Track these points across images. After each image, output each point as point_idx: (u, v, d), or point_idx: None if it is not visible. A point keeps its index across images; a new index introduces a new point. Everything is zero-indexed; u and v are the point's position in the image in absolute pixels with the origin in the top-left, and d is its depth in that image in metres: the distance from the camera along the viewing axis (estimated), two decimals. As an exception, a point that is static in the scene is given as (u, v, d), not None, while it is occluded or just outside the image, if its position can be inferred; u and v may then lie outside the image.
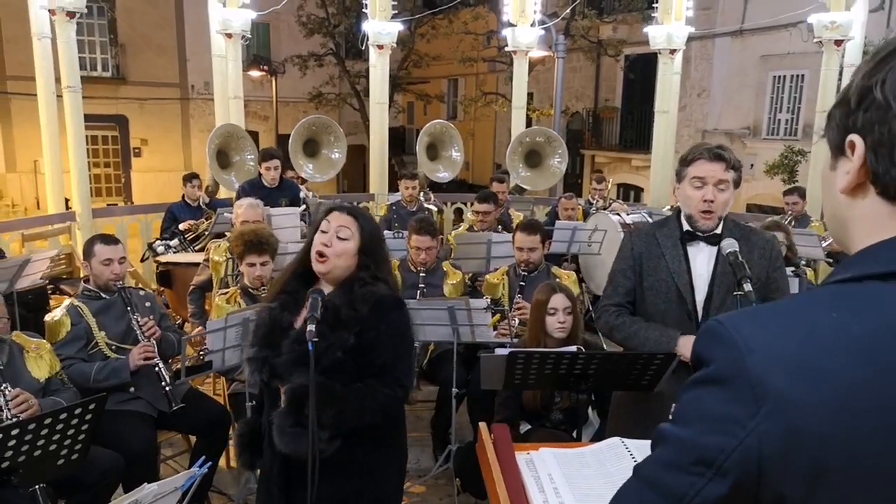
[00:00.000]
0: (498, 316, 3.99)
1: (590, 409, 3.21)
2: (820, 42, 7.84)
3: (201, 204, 6.75)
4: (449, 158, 8.78)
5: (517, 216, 6.51)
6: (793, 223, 6.25)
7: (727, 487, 0.75)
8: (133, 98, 18.32)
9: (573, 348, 2.76)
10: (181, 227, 6.39)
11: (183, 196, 6.78)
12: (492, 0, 15.06)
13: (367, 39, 8.13)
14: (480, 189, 7.37)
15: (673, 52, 8.33)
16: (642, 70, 15.55)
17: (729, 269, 2.32)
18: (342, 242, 2.10)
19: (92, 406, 2.21)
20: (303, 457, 1.92)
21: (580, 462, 1.66)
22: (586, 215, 7.04)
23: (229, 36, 7.57)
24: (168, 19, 18.53)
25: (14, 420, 2.56)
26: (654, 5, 8.52)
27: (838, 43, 7.71)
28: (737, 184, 2.41)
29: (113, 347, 3.25)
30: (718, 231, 2.44)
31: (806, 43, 10.44)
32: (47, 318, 3.33)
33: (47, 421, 2.11)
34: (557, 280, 4.00)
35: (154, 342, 3.24)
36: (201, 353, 3.54)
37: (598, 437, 2.96)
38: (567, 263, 5.73)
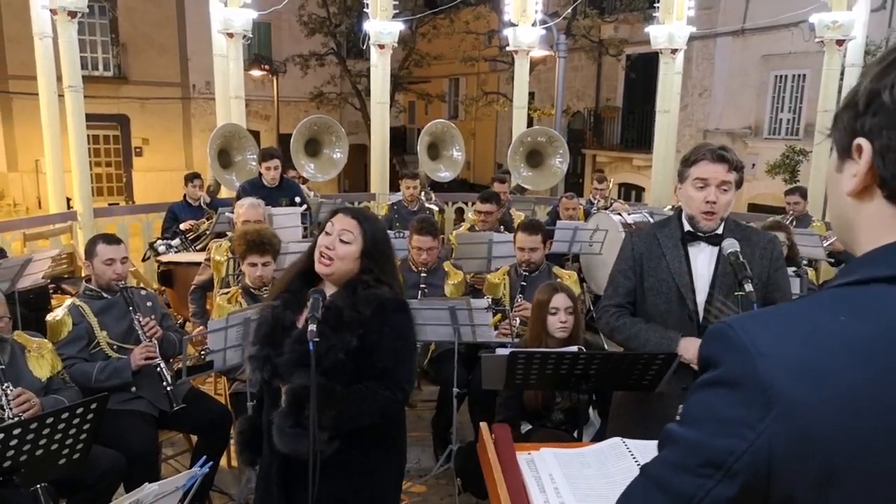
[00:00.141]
0: (499, 316, 3.99)
1: (591, 409, 3.21)
2: (821, 42, 7.84)
3: (202, 204, 6.75)
4: (450, 158, 8.78)
5: (518, 216, 6.51)
6: (794, 223, 6.25)
7: (736, 489, 0.76)
8: (134, 97, 18.33)
9: (574, 348, 2.76)
10: (182, 226, 6.39)
11: (184, 196, 6.78)
12: (493, 0, 15.06)
13: (369, 39, 8.13)
14: (482, 189, 7.37)
15: (674, 51, 8.32)
16: (643, 70, 15.54)
17: (730, 269, 2.32)
18: (344, 246, 2.11)
19: (94, 406, 2.21)
20: (302, 457, 1.92)
21: (581, 462, 1.66)
22: (587, 215, 7.04)
23: (231, 35, 7.57)
24: (169, 19, 18.54)
25: (16, 419, 2.56)
26: (656, 5, 8.52)
27: (840, 43, 7.70)
28: (739, 185, 2.40)
29: (114, 347, 3.25)
30: (720, 231, 2.44)
31: (807, 42, 10.42)
32: (49, 317, 3.33)
33: (49, 420, 2.11)
34: (558, 280, 4.00)
35: (155, 342, 3.24)
36: (202, 352, 3.54)
37: (599, 437, 2.96)
38: (570, 263, 5.72)
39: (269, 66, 17.72)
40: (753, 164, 13.27)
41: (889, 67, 0.77)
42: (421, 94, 20.76)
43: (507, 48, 9.24)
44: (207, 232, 6.22)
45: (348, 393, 2.02)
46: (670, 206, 7.42)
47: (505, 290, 4.27)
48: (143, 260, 6.81)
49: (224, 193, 7.71)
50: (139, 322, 3.25)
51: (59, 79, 6.81)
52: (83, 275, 5.63)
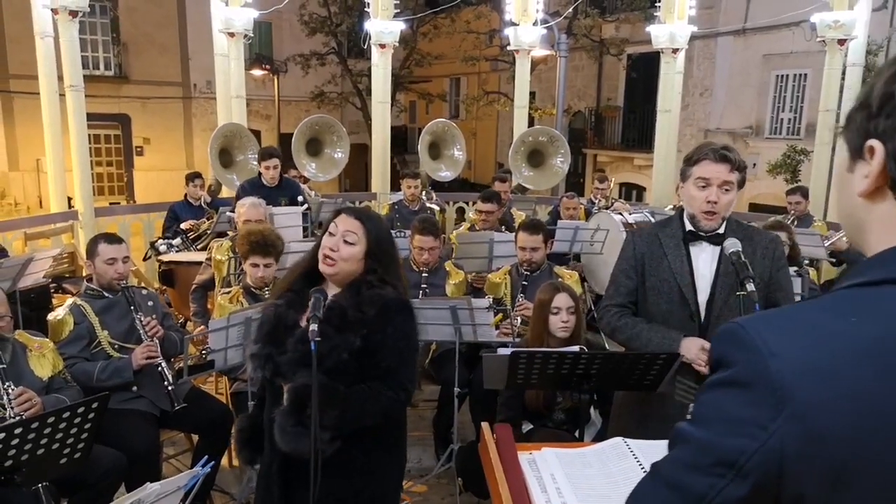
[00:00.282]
0: (500, 315, 3.99)
1: (592, 409, 3.21)
2: (823, 41, 7.83)
3: (203, 203, 6.75)
4: (451, 157, 8.78)
5: (519, 216, 6.50)
6: (795, 223, 6.24)
7: (748, 489, 0.76)
8: (135, 97, 18.34)
9: (576, 348, 2.76)
10: (183, 226, 6.40)
11: (185, 195, 6.78)
12: (494, -1, 15.07)
13: (370, 38, 8.13)
14: (483, 188, 7.36)
15: (675, 51, 8.32)
16: (644, 69, 15.53)
17: (732, 269, 2.32)
18: (349, 247, 2.11)
19: (95, 405, 2.21)
20: (303, 456, 1.92)
21: (583, 462, 1.66)
22: (588, 215, 7.04)
23: (232, 35, 7.58)
24: (170, 18, 18.55)
25: (17, 419, 2.56)
26: (657, 4, 8.51)
27: (841, 42, 7.69)
28: (741, 185, 2.40)
29: (116, 346, 3.25)
30: (721, 231, 2.43)
31: (809, 42, 10.42)
32: (50, 317, 3.33)
33: (50, 420, 2.11)
34: (560, 279, 3.99)
35: (157, 341, 3.24)
36: (203, 352, 3.54)
37: (601, 437, 2.96)
38: (574, 263, 5.72)
39: (270, 65, 17.73)
40: (754, 164, 13.26)
41: None
42: (422, 94, 20.76)
43: (508, 48, 9.23)
44: (208, 231, 6.22)
45: (351, 393, 2.02)
46: (671, 206, 7.41)
47: (506, 290, 4.27)
48: (145, 259, 6.81)
49: (225, 193, 7.71)
50: (140, 321, 3.25)
51: (61, 78, 6.81)
52: (84, 274, 5.63)
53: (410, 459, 3.85)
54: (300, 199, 6.05)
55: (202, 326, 4.38)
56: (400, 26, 8.33)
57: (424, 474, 3.93)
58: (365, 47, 8.56)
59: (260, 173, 6.11)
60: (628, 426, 2.53)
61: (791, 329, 0.78)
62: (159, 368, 3.20)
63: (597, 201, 7.59)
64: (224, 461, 3.65)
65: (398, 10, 8.32)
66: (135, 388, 3.22)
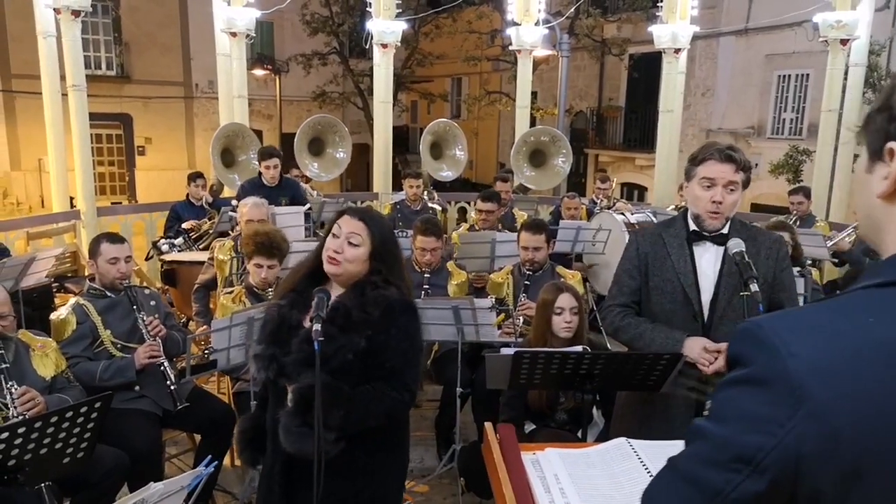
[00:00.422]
0: (502, 315, 3.98)
1: (594, 410, 3.20)
2: (825, 41, 7.82)
3: (204, 203, 6.76)
4: (452, 157, 8.78)
5: (521, 216, 6.51)
6: (797, 223, 6.23)
7: (764, 485, 0.78)
8: (137, 97, 18.36)
9: (579, 348, 2.75)
10: (184, 226, 6.40)
11: (187, 195, 6.78)
12: (496, -1, 15.06)
13: (371, 38, 8.13)
14: (484, 188, 7.37)
15: (677, 51, 8.31)
16: (646, 69, 15.52)
17: (735, 269, 2.31)
18: (353, 248, 2.10)
19: (98, 405, 2.22)
20: (308, 456, 1.92)
21: (586, 462, 1.66)
22: (590, 215, 7.03)
23: (234, 35, 7.58)
24: (172, 18, 18.56)
25: (20, 418, 2.57)
26: (659, 4, 8.50)
27: (844, 42, 7.69)
28: (746, 185, 2.39)
29: (118, 346, 3.25)
30: (725, 231, 2.43)
31: (811, 42, 10.40)
32: (53, 316, 3.34)
33: (53, 419, 2.11)
34: (562, 280, 3.99)
35: (159, 341, 3.24)
36: (206, 351, 3.54)
37: (603, 437, 2.95)
38: (577, 263, 5.72)
39: (271, 65, 17.74)
40: (756, 164, 13.23)
41: None
42: (424, 94, 20.77)
43: (510, 47, 9.23)
44: (210, 231, 6.23)
45: (356, 393, 2.02)
46: (673, 206, 7.40)
47: (508, 290, 4.26)
48: (147, 259, 6.81)
49: (227, 193, 7.72)
50: (143, 321, 3.25)
51: (63, 78, 6.82)
52: (86, 274, 5.64)
53: (413, 459, 3.84)
54: (309, 195, 6.01)
55: (204, 326, 4.38)
56: (402, 26, 8.33)
57: (427, 474, 3.93)
58: (367, 47, 8.57)
59: (260, 173, 6.11)
60: (631, 426, 2.53)
61: (809, 329, 0.80)
62: (162, 368, 3.20)
63: (599, 201, 7.58)
64: (226, 461, 3.66)
65: (400, 10, 8.32)
66: (137, 388, 3.22)
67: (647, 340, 2.44)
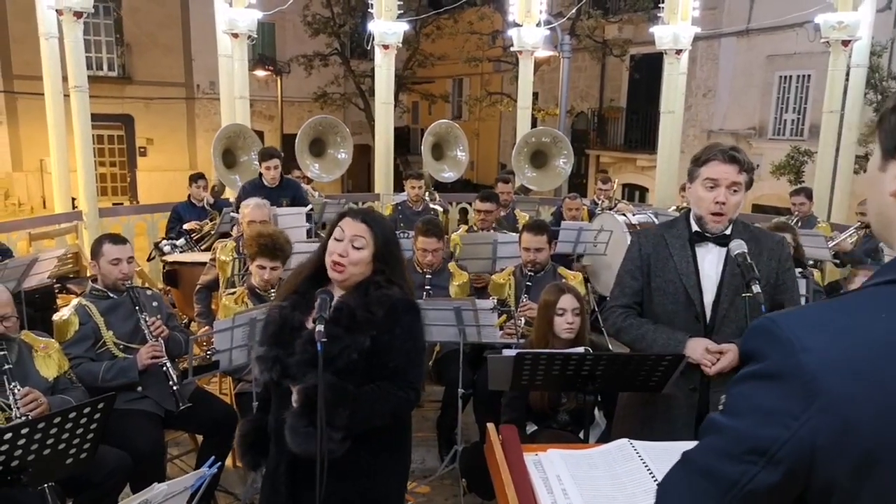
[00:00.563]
0: (504, 316, 3.99)
1: (596, 411, 3.20)
2: (827, 42, 7.82)
3: (206, 204, 6.77)
4: (454, 158, 8.79)
5: (523, 216, 6.51)
6: (799, 224, 6.23)
7: (779, 476, 0.80)
8: (139, 97, 18.38)
9: (580, 349, 2.75)
10: (186, 226, 6.41)
11: (188, 196, 6.79)
12: (497, 0, 15.06)
13: (373, 39, 8.14)
14: (485, 189, 7.37)
15: (679, 52, 8.31)
16: (648, 70, 15.53)
17: (738, 270, 2.31)
18: (357, 251, 2.11)
19: (100, 405, 2.22)
20: (314, 457, 1.92)
21: (588, 463, 1.66)
22: (591, 216, 7.03)
23: (235, 36, 7.59)
24: (174, 19, 18.59)
25: (24, 419, 2.57)
26: (660, 5, 8.50)
27: (845, 43, 7.68)
28: (748, 186, 2.39)
29: (121, 347, 3.26)
30: (728, 232, 2.43)
31: (812, 43, 10.40)
32: (55, 317, 3.34)
33: (56, 420, 2.11)
34: (564, 281, 3.99)
35: (162, 341, 3.25)
36: (208, 352, 3.55)
37: (605, 438, 2.95)
38: (577, 264, 5.72)
39: (273, 66, 17.77)
40: (758, 165, 13.21)
41: None
42: (425, 95, 20.78)
43: (511, 48, 9.24)
44: (212, 232, 6.24)
45: (361, 393, 2.03)
46: (675, 207, 7.40)
47: (510, 291, 4.27)
48: (149, 260, 6.82)
49: (229, 194, 7.73)
50: (145, 321, 3.26)
51: (65, 79, 6.83)
52: (89, 274, 5.65)
53: (414, 460, 3.84)
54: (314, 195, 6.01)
55: (206, 327, 4.38)
56: (403, 27, 8.34)
57: (428, 475, 3.93)
58: (368, 48, 8.58)
59: (261, 174, 6.12)
60: (633, 427, 2.53)
61: (821, 325, 0.82)
62: (164, 368, 3.21)
63: (600, 202, 7.59)
64: (228, 462, 3.66)
65: (401, 11, 8.33)
66: (139, 389, 3.22)
67: (649, 341, 2.44)
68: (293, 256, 3.93)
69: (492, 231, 5.49)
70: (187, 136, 19.28)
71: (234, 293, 3.83)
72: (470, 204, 8.70)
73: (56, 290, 5.13)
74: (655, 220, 6.00)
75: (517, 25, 8.77)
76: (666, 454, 1.61)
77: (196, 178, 6.89)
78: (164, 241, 6.29)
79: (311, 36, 17.57)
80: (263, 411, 2.29)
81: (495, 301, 3.88)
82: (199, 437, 3.60)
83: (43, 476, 2.26)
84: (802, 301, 3.73)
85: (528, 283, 4.12)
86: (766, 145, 13.99)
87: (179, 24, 18.66)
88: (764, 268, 2.38)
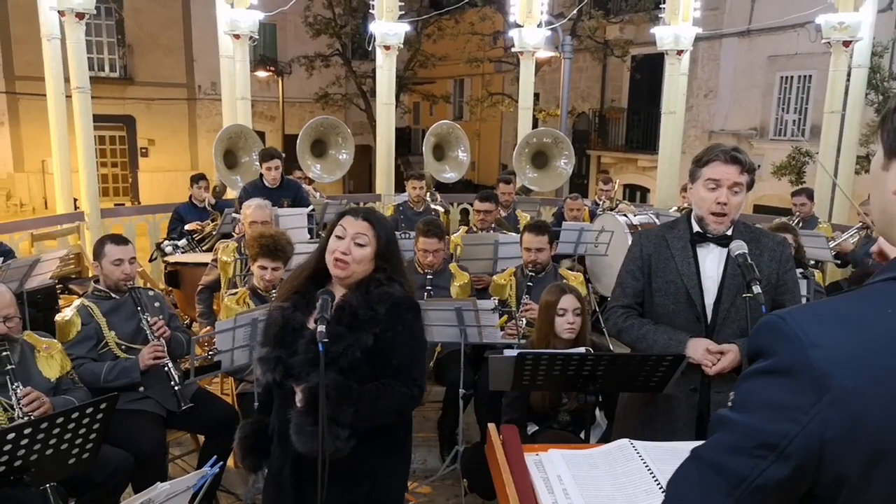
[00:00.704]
0: (505, 317, 3.99)
1: (597, 411, 3.20)
2: (828, 43, 7.82)
3: (207, 205, 6.78)
4: (455, 159, 8.80)
5: (524, 217, 6.52)
6: (800, 224, 6.23)
7: (789, 470, 0.81)
8: (140, 98, 18.41)
9: (581, 350, 2.76)
10: (187, 227, 6.42)
11: (190, 197, 6.80)
12: (498, 1, 15.06)
13: (374, 40, 8.15)
14: (487, 189, 7.38)
15: (680, 52, 8.31)
16: (649, 70, 15.53)
17: (738, 270, 2.32)
18: (360, 249, 2.12)
19: (103, 405, 2.23)
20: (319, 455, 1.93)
21: (589, 463, 1.66)
22: (592, 216, 7.03)
23: (237, 36, 7.60)
24: (175, 20, 18.61)
25: (26, 419, 2.58)
26: (661, 6, 8.51)
27: (846, 44, 7.68)
28: (750, 186, 2.40)
29: (123, 347, 3.27)
30: (729, 233, 2.43)
31: (813, 43, 10.40)
32: (58, 317, 3.35)
33: (59, 420, 2.12)
34: (565, 281, 4.00)
35: (164, 342, 3.25)
36: (210, 353, 3.56)
37: (606, 438, 2.96)
38: (577, 265, 5.73)
39: (274, 67, 17.78)
40: (759, 166, 13.18)
41: None
42: (426, 95, 20.78)
43: (513, 49, 9.24)
44: (213, 233, 6.25)
45: (365, 390, 2.04)
46: (676, 208, 7.41)
47: (511, 291, 4.27)
48: (150, 260, 6.84)
49: (230, 194, 7.74)
50: (147, 322, 3.26)
51: (67, 80, 6.84)
52: (90, 275, 5.66)
53: (415, 461, 3.86)
54: (315, 196, 6.01)
55: (208, 327, 4.39)
56: (404, 28, 8.34)
57: (430, 475, 3.93)
58: (369, 49, 8.59)
59: (261, 174, 6.13)
60: (634, 428, 2.53)
61: (829, 320, 0.83)
62: (166, 369, 3.22)
63: (601, 203, 7.59)
64: (230, 462, 3.66)
65: (402, 12, 8.34)
66: (141, 389, 3.23)
67: (649, 342, 2.45)
68: (294, 257, 3.94)
69: (491, 231, 5.49)
70: (189, 136, 19.30)
71: (235, 294, 3.84)
72: (471, 204, 8.73)
73: (58, 291, 5.14)
74: (656, 220, 6.00)
75: (518, 26, 8.78)
76: (667, 454, 1.62)
77: (197, 178, 6.90)
78: (166, 242, 6.31)
79: (313, 37, 17.58)
80: (263, 413, 2.29)
81: (496, 301, 3.88)
82: (201, 438, 3.61)
83: (45, 476, 2.27)
84: (803, 301, 3.73)
85: (529, 284, 4.12)
86: (768, 146, 13.98)
87: (181, 25, 18.68)
88: (765, 268, 2.38)
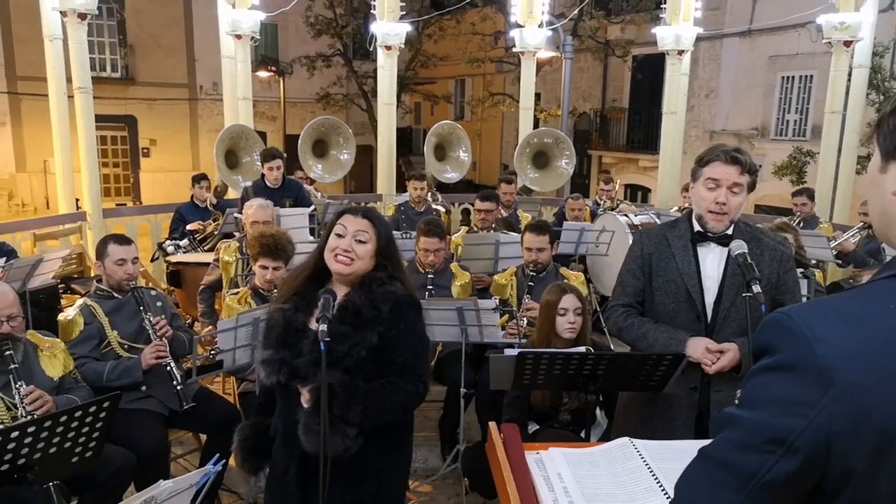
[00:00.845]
0: (506, 317, 4.00)
1: (597, 410, 3.21)
2: (829, 43, 7.82)
3: (209, 205, 6.79)
4: (456, 159, 8.81)
5: (525, 217, 6.53)
6: (801, 224, 6.23)
7: (797, 464, 0.82)
8: (142, 98, 18.42)
9: (582, 349, 2.77)
10: (189, 227, 6.44)
11: (191, 197, 6.82)
12: (499, 1, 15.07)
13: (375, 40, 8.15)
14: (487, 189, 7.39)
15: (681, 52, 8.31)
16: (650, 70, 15.53)
17: (739, 270, 2.33)
18: (362, 245, 2.13)
19: (106, 404, 2.24)
20: (330, 454, 1.94)
21: (590, 462, 1.67)
22: (594, 216, 7.04)
23: (238, 37, 7.61)
24: (177, 20, 18.63)
25: (30, 418, 2.59)
26: (663, 6, 8.51)
27: (847, 44, 7.68)
28: (751, 187, 2.40)
29: (125, 347, 3.28)
30: (729, 232, 2.44)
31: (814, 43, 10.40)
32: (60, 317, 3.36)
33: (62, 419, 2.13)
34: (566, 281, 4.00)
35: (166, 341, 3.26)
36: (212, 352, 3.57)
37: (606, 437, 2.96)
38: (575, 264, 5.74)
39: (275, 67, 17.79)
40: (760, 166, 13.15)
41: None
42: (427, 95, 20.79)
43: (514, 49, 9.24)
44: (215, 233, 6.26)
45: (372, 388, 2.05)
46: (677, 208, 7.41)
47: (512, 291, 4.28)
48: (152, 260, 6.85)
49: (231, 195, 7.75)
50: (150, 321, 3.27)
51: (69, 80, 6.86)
52: (92, 275, 5.67)
53: (416, 460, 3.87)
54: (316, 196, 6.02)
55: (210, 327, 4.40)
56: (406, 28, 8.34)
57: (430, 474, 3.94)
58: (370, 49, 8.59)
59: (263, 175, 6.14)
60: (634, 426, 2.54)
61: (833, 316, 0.85)
62: (168, 368, 3.22)
63: (602, 203, 7.59)
64: (232, 461, 3.67)
65: (404, 13, 8.34)
66: (144, 388, 3.24)
67: (650, 341, 2.46)
68: (296, 257, 3.95)
69: (492, 231, 5.50)
70: (190, 136, 19.32)
71: (237, 293, 3.85)
72: (472, 204, 8.74)
73: (60, 291, 5.16)
74: (657, 220, 6.01)
75: (519, 26, 8.78)
76: (666, 453, 1.63)
77: (199, 178, 6.91)
78: (168, 242, 6.32)
79: (314, 37, 17.59)
80: (263, 415, 2.29)
81: (497, 301, 3.89)
82: (203, 437, 3.62)
83: (49, 474, 2.28)
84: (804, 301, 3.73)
85: (530, 284, 4.13)
86: (769, 146, 13.98)
87: (182, 26, 18.70)
88: (765, 268, 2.39)
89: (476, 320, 3.56)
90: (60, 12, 6.60)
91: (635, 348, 2.55)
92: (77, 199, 7.45)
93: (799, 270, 3.18)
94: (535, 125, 10.23)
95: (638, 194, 16.48)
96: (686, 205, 6.76)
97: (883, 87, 10.13)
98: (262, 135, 13.83)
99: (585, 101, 18.60)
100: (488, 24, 17.22)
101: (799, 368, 0.82)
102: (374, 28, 8.16)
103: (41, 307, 4.50)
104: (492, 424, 1.79)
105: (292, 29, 19.14)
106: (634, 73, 16.84)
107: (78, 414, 2.16)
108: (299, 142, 7.93)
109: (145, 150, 19.00)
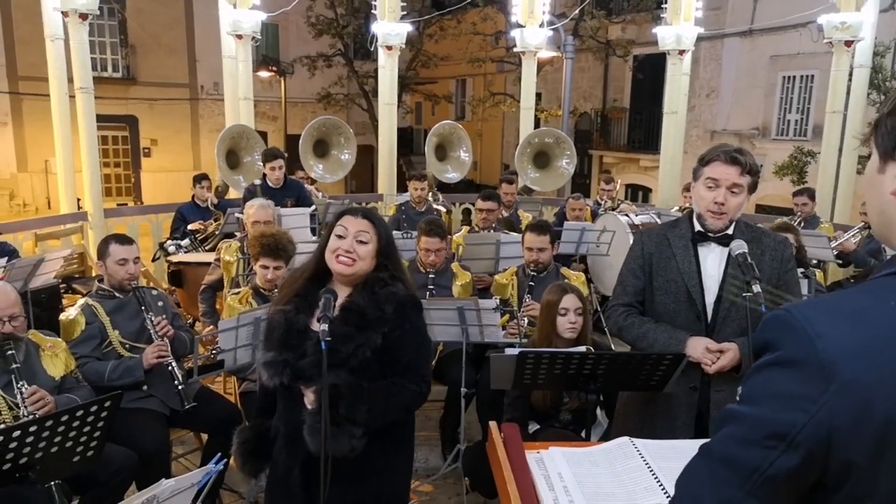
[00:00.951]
0: (507, 316, 4.00)
1: (598, 410, 3.22)
2: (830, 42, 7.82)
3: (210, 205, 6.80)
4: (457, 159, 8.81)
5: (526, 217, 6.53)
6: (802, 224, 6.23)
7: (799, 459, 0.83)
8: (143, 98, 18.44)
9: (583, 348, 2.77)
10: (190, 227, 6.45)
11: (192, 197, 6.83)
12: (500, 1, 15.07)
13: (376, 40, 8.16)
14: (488, 189, 7.40)
15: (682, 52, 8.31)
16: (651, 70, 15.52)
17: (739, 270, 2.33)
18: (363, 246, 2.14)
19: (107, 404, 2.24)
20: (337, 455, 1.95)
21: (590, 461, 1.67)
22: (594, 216, 7.04)
23: (239, 37, 7.62)
24: (178, 20, 18.64)
25: (31, 417, 2.60)
26: (663, 6, 8.51)
27: (848, 44, 7.68)
28: (753, 188, 2.40)
29: (126, 346, 3.29)
30: (730, 232, 2.45)
31: (815, 43, 10.40)
32: (62, 317, 3.37)
33: (64, 418, 2.14)
34: (567, 281, 4.01)
35: (167, 341, 3.27)
36: (213, 352, 3.57)
37: (606, 437, 2.97)
38: (575, 264, 5.74)
39: (276, 67, 17.79)
40: (761, 165, 13.17)
41: None
42: (428, 95, 20.79)
43: (515, 49, 9.25)
44: (216, 233, 6.27)
45: (376, 388, 2.06)
46: (678, 207, 7.41)
47: (513, 291, 4.28)
48: (154, 260, 6.86)
49: (233, 194, 7.76)
50: (151, 321, 3.28)
51: (70, 80, 6.86)
52: (94, 274, 5.68)
53: (417, 459, 3.87)
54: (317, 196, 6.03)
55: (211, 326, 4.41)
56: (406, 28, 8.35)
57: (431, 474, 3.95)
58: (371, 49, 8.60)
59: (264, 175, 6.14)
60: (634, 426, 2.55)
61: (834, 313, 0.85)
62: (169, 368, 3.23)
63: (603, 203, 7.60)
64: (232, 460, 3.68)
65: (405, 13, 8.35)
66: (145, 388, 3.25)
67: (650, 340, 2.46)
68: (297, 256, 3.96)
69: (493, 231, 5.51)
70: (191, 136, 19.34)
71: (238, 293, 3.85)
72: (472, 204, 8.74)
73: (62, 290, 5.17)
74: (658, 220, 6.00)
75: (520, 26, 8.78)
76: (666, 452, 1.63)
77: (200, 178, 6.92)
78: (169, 242, 6.33)
79: (315, 37, 17.59)
80: (263, 417, 2.29)
81: (498, 301, 3.89)
82: (204, 436, 3.62)
83: (50, 474, 2.29)
84: (804, 301, 3.73)
85: (530, 283, 4.13)
86: (770, 146, 13.97)
87: (183, 26, 18.71)
88: (766, 268, 2.39)
89: (477, 320, 3.57)
90: (62, 12, 6.60)
91: (635, 348, 2.55)
92: (78, 199, 7.46)
93: (799, 270, 3.19)
94: (536, 125, 10.23)
95: (639, 194, 16.47)
96: (687, 205, 6.76)
97: (884, 86, 10.13)
98: (263, 135, 13.86)
99: (586, 100, 18.60)
100: (489, 23, 17.23)
101: (800, 363, 0.83)
102: (375, 28, 8.16)
103: (43, 307, 4.51)
104: (492, 424, 1.80)
105: (293, 29, 19.15)
106: (635, 72, 16.84)
107: (79, 413, 2.17)
108: (300, 142, 7.94)
109: (146, 150, 19.01)
